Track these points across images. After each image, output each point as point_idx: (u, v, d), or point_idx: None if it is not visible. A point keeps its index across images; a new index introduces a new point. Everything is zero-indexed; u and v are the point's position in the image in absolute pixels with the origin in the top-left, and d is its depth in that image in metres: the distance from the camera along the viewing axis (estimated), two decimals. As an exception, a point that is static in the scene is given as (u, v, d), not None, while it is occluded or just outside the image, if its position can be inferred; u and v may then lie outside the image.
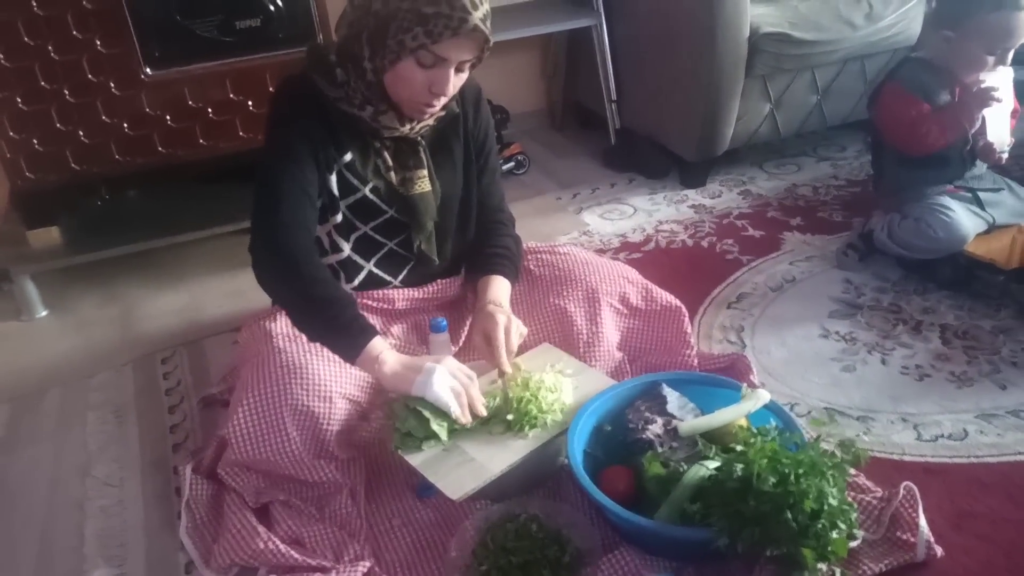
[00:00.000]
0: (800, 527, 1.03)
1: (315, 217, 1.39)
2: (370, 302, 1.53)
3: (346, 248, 1.48)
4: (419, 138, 1.42)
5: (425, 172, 1.44)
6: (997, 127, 1.79)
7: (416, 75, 1.27)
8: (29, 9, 1.81)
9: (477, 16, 1.21)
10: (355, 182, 1.41)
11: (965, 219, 1.80)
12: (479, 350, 1.41)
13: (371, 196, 1.43)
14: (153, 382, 1.76)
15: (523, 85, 3.09)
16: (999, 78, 1.77)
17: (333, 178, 1.40)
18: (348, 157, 1.40)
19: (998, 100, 1.74)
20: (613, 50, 2.66)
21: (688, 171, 2.55)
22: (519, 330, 1.42)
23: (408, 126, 1.38)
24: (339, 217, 1.44)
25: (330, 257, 1.49)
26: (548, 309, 1.55)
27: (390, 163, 1.42)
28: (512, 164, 2.72)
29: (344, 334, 1.31)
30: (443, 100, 1.33)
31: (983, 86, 1.74)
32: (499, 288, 1.47)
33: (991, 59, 1.77)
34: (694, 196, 2.49)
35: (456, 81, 1.31)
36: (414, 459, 1.25)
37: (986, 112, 1.77)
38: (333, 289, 1.35)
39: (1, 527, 1.40)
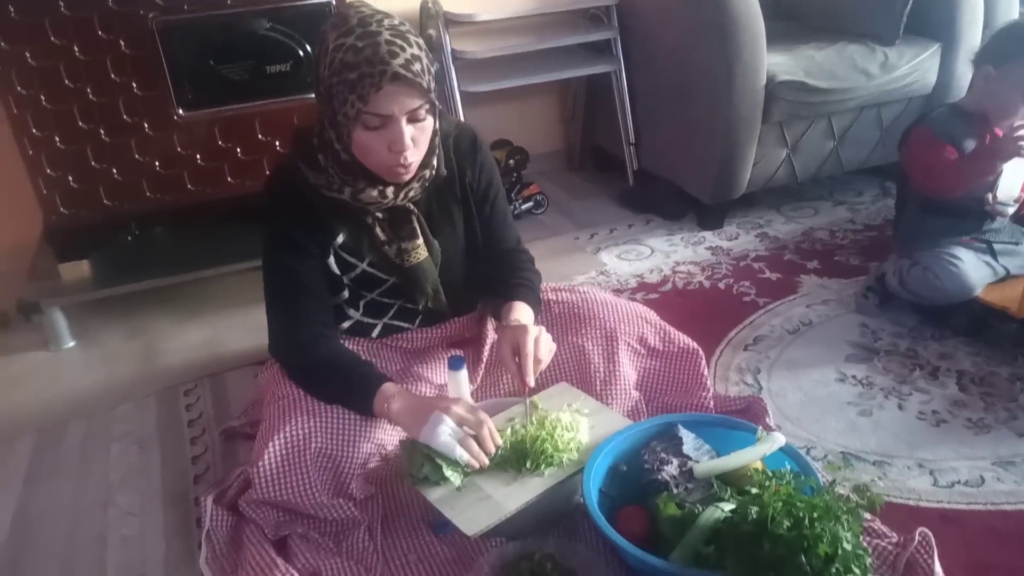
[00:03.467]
0: (814, 571, 1.03)
1: (326, 301, 1.45)
2: (391, 343, 1.56)
3: (356, 314, 1.54)
4: (411, 206, 1.42)
5: (420, 241, 1.44)
6: (1010, 182, 1.80)
7: (372, 141, 1.27)
8: (71, 54, 1.89)
9: (397, 63, 1.20)
10: (352, 260, 1.45)
11: (972, 270, 1.81)
12: (505, 364, 1.36)
13: (370, 270, 1.46)
14: (175, 414, 1.79)
15: (543, 127, 3.15)
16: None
17: (332, 260, 1.44)
18: (341, 238, 1.42)
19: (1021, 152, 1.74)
20: (632, 95, 2.72)
21: (705, 213, 2.58)
22: (549, 344, 1.38)
23: (394, 196, 1.37)
24: (345, 292, 1.49)
25: (343, 323, 1.54)
26: (566, 347, 1.57)
27: (383, 237, 1.43)
28: (531, 204, 2.76)
29: (355, 391, 1.35)
30: (413, 155, 1.29)
31: (1019, 134, 1.72)
32: (523, 312, 1.45)
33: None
34: (711, 238, 2.52)
35: (417, 134, 1.28)
36: (431, 495, 1.27)
37: (1006, 165, 1.78)
38: (339, 356, 1.40)
39: (23, 558, 1.42)
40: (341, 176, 1.34)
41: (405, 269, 1.45)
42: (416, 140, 1.29)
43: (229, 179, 2.12)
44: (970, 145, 1.85)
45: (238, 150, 2.10)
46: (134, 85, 1.96)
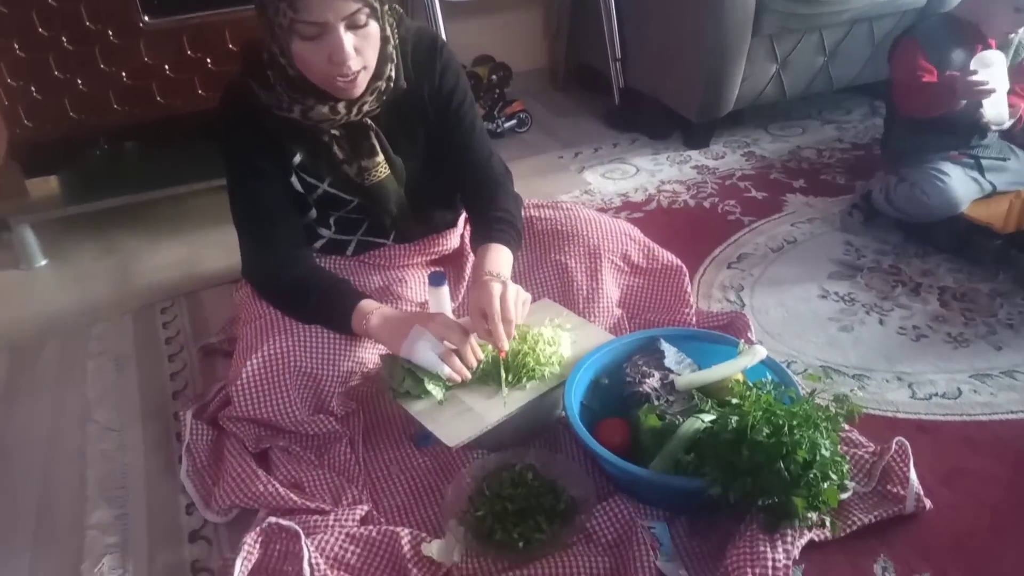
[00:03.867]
0: (792, 477, 1.04)
1: (295, 220, 1.41)
2: (368, 260, 1.53)
3: (328, 233, 1.50)
4: (368, 121, 1.33)
5: (380, 158, 1.37)
6: (995, 107, 1.75)
7: (311, 52, 1.17)
8: (26, -47, 1.78)
9: None
10: (312, 180, 1.39)
11: (959, 186, 1.79)
12: (476, 327, 1.26)
13: (331, 190, 1.41)
14: (152, 332, 1.77)
15: (527, 43, 3.05)
16: (991, 71, 1.72)
17: (294, 179, 1.39)
18: (298, 159, 1.36)
19: (985, 94, 1.70)
20: (618, 8, 2.62)
21: (692, 132, 2.54)
22: (520, 297, 1.27)
23: (347, 112, 1.28)
24: (313, 212, 1.44)
25: (317, 242, 1.50)
26: (549, 265, 1.55)
27: (340, 156, 1.35)
28: (514, 122, 2.70)
29: (333, 309, 1.33)
30: (357, 64, 1.19)
31: (970, 79, 1.69)
32: (498, 257, 1.34)
33: (1017, 17, 1.74)
34: (697, 157, 2.48)
35: (359, 42, 1.18)
36: (412, 408, 1.26)
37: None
38: (313, 276, 1.37)
39: (2, 474, 1.41)
40: (290, 94, 1.25)
41: (367, 188, 1.39)
42: (360, 49, 1.18)
43: (200, 91, 2.04)
44: (959, 56, 1.81)
45: (208, 60, 2.01)
46: (96, -12, 1.86)
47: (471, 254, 1.58)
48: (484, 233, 1.39)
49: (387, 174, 1.39)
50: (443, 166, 1.47)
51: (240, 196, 1.39)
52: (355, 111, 1.29)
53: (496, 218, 1.41)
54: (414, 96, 1.38)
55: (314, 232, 1.50)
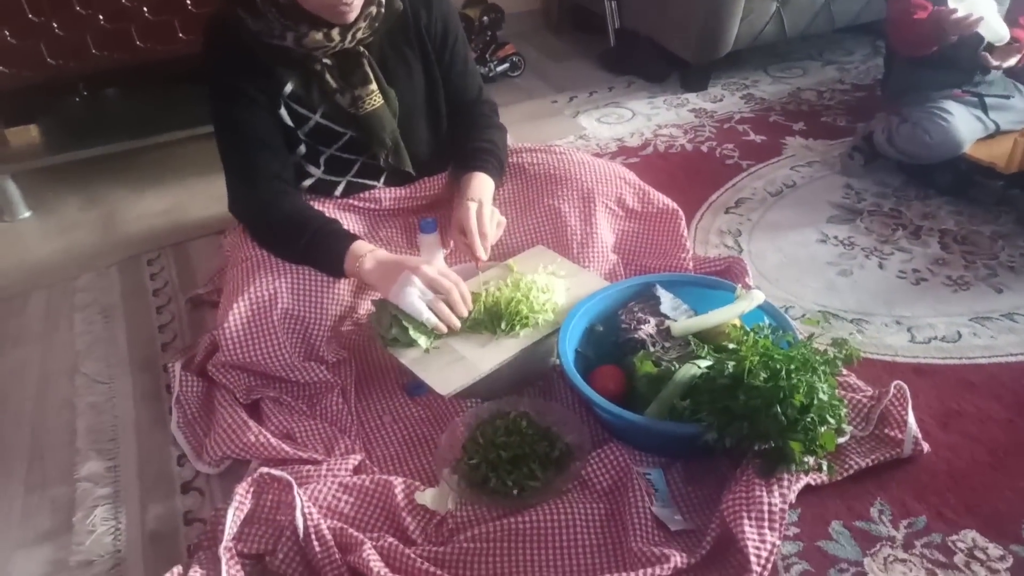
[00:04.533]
0: (789, 421, 1.03)
1: (284, 155, 1.37)
2: (356, 203, 1.49)
3: (317, 172, 1.45)
4: (361, 49, 1.33)
5: (374, 87, 1.35)
6: (990, 30, 1.69)
7: None
8: None
9: None
10: (303, 111, 1.35)
11: (962, 125, 1.74)
12: (458, 246, 1.36)
13: (323, 121, 1.37)
14: (140, 283, 1.74)
15: (519, -17, 2.96)
16: (969, 3, 1.66)
17: (283, 111, 1.35)
18: (289, 88, 1.33)
19: (974, 25, 1.64)
20: (614, -56, 2.54)
21: (689, 74, 2.47)
22: (495, 218, 1.36)
23: (340, 38, 1.27)
24: (302, 148, 1.40)
25: (305, 181, 1.45)
26: (542, 209, 1.51)
27: (333, 85, 1.33)
28: (507, 66, 2.63)
29: (324, 249, 1.30)
30: None
31: (954, 17, 1.63)
32: (479, 184, 1.39)
33: None
34: (695, 100, 2.42)
35: None
36: (404, 356, 1.24)
37: (981, 10, 1.67)
38: (304, 213, 1.33)
39: (-8, 423, 1.40)
40: (282, 21, 1.24)
41: (360, 118, 1.36)
42: None
43: (181, 35, 1.97)
44: None
45: (188, 2, 1.94)
46: (68, -74, 1.78)
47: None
48: (467, 162, 1.43)
49: (380, 103, 1.36)
50: (437, 106, 1.46)
51: (226, 126, 1.34)
52: (349, 37, 1.28)
53: (479, 148, 1.45)
54: (407, 28, 1.37)
55: (303, 172, 1.45)
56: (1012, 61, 1.76)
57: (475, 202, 1.34)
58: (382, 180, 1.49)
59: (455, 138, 1.50)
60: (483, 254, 1.31)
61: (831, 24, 2.49)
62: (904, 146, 1.82)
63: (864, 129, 1.99)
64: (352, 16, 1.25)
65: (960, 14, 1.63)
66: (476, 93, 1.51)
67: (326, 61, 1.31)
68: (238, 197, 1.37)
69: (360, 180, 1.48)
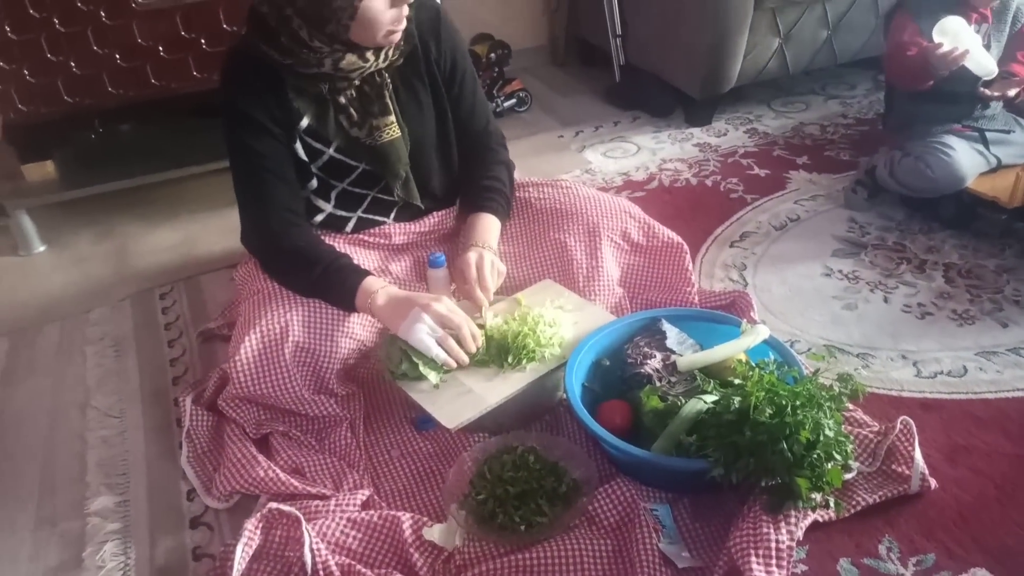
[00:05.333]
0: (795, 457, 1.03)
1: (296, 188, 1.39)
2: (367, 238, 1.52)
3: (328, 207, 1.47)
4: (386, 77, 1.36)
5: (392, 118, 1.38)
6: (978, 63, 1.70)
7: (379, 5, 1.21)
8: (14, -67, 1.75)
9: None
10: (318, 145, 1.38)
11: (964, 159, 1.76)
12: (460, 290, 1.39)
13: (337, 155, 1.39)
14: (151, 317, 1.76)
15: (525, 20, 3.01)
16: (953, 36, 1.67)
17: (298, 146, 1.37)
18: (305, 122, 1.35)
19: (959, 59, 1.65)
20: (618, -18, 2.59)
21: (693, 109, 2.50)
22: (496, 267, 1.38)
23: (374, 58, 1.31)
24: (314, 182, 1.42)
25: (316, 217, 1.47)
26: (548, 243, 1.53)
27: (354, 117, 1.36)
28: (513, 101, 2.67)
29: (336, 284, 1.31)
30: (406, 10, 1.26)
31: (939, 51, 1.65)
32: (484, 227, 1.43)
33: None
34: (699, 134, 2.45)
35: None
36: (412, 390, 1.25)
37: (968, 48, 1.70)
38: (316, 248, 1.35)
39: (2, 458, 1.41)
40: (319, 48, 1.26)
41: (375, 149, 1.38)
42: None
43: (195, 72, 2.01)
44: None
45: (202, 41, 1.98)
46: (86, -31, 1.83)
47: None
48: (474, 201, 1.47)
49: (397, 135, 1.39)
50: (447, 139, 1.49)
51: (241, 157, 1.36)
52: (382, 57, 1.32)
53: (486, 187, 1.48)
54: (418, 62, 1.41)
55: (314, 208, 1.47)
56: (1011, 93, 1.77)
57: (477, 251, 1.37)
58: (392, 216, 1.52)
59: (463, 171, 1.54)
60: (484, 303, 1.34)
61: (833, 60, 2.53)
62: (906, 180, 1.84)
63: (867, 163, 2.01)
64: (398, 38, 1.30)
65: (945, 49, 1.65)
66: (484, 124, 1.54)
67: (351, 93, 1.34)
68: (251, 228, 1.39)
69: (371, 216, 1.50)
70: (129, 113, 2.09)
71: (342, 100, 1.34)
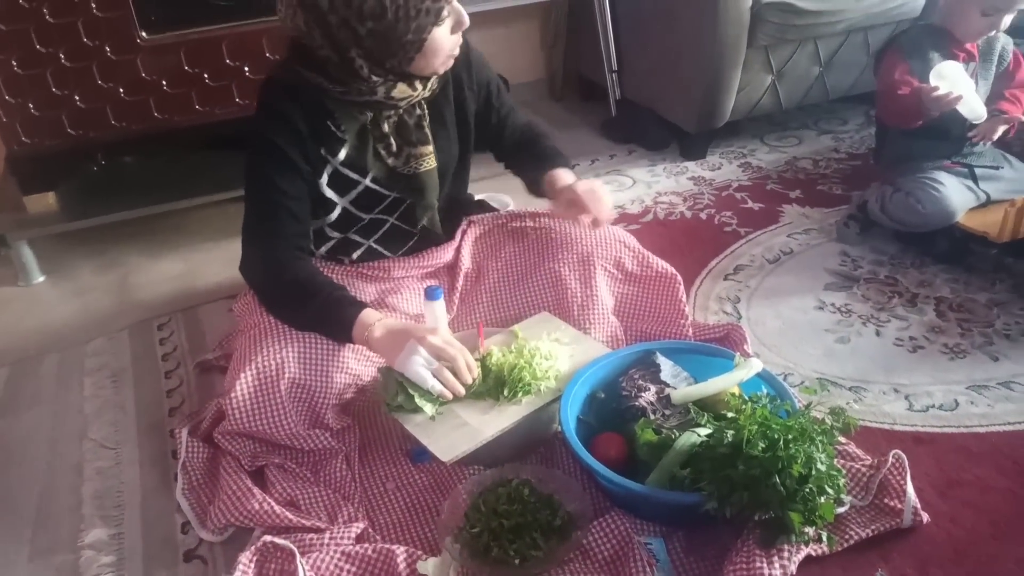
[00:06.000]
0: (788, 491, 1.04)
1: (307, 227, 1.40)
2: (367, 271, 1.53)
3: (336, 234, 1.49)
4: (424, 109, 1.39)
5: (431, 148, 1.41)
6: (969, 108, 1.74)
7: (443, 33, 1.25)
8: (24, -28, 1.79)
9: None
10: (353, 176, 1.39)
11: (955, 194, 1.79)
12: (564, 215, 1.50)
13: (372, 186, 1.41)
14: (149, 348, 1.77)
15: (523, 55, 3.06)
16: (949, 80, 1.72)
17: (324, 180, 1.38)
18: (343, 154, 1.36)
19: (953, 102, 1.69)
20: (614, 19, 2.64)
21: (688, 143, 2.54)
22: (601, 186, 1.45)
23: (421, 87, 1.34)
24: (335, 214, 1.43)
25: (323, 246, 1.49)
26: (543, 272, 1.55)
27: (393, 147, 1.38)
28: (511, 134, 2.70)
29: (334, 317, 1.32)
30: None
31: (934, 94, 1.69)
32: (565, 174, 1.52)
33: (987, 22, 1.75)
34: (694, 168, 2.48)
35: None
36: (408, 422, 1.26)
37: (960, 91, 1.73)
38: (315, 280, 1.35)
39: (0, 488, 1.41)
40: (373, 78, 1.27)
41: (413, 178, 1.41)
42: None
43: (197, 106, 2.05)
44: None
45: (205, 76, 2.02)
46: (93, 6, 1.87)
47: (464, 264, 1.60)
48: (543, 163, 1.55)
49: (433, 166, 1.42)
50: (462, 166, 1.53)
51: (260, 188, 1.35)
52: (428, 86, 1.36)
53: (548, 150, 1.58)
54: (447, 88, 1.44)
55: (323, 235, 1.49)
56: (999, 131, 1.81)
57: (575, 180, 1.45)
58: (400, 252, 1.55)
59: (515, 156, 1.62)
60: (608, 209, 1.43)
61: (826, 95, 2.57)
62: (898, 215, 1.87)
63: (859, 198, 2.04)
64: (451, 64, 1.33)
65: (941, 92, 1.69)
66: (523, 121, 1.62)
67: (392, 121, 1.37)
68: (255, 259, 1.38)
69: (380, 248, 1.53)
70: (132, 145, 2.11)
71: (385, 128, 1.37)
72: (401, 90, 1.31)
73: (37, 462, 1.46)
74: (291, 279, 1.35)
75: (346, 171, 1.38)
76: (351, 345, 1.36)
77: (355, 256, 1.53)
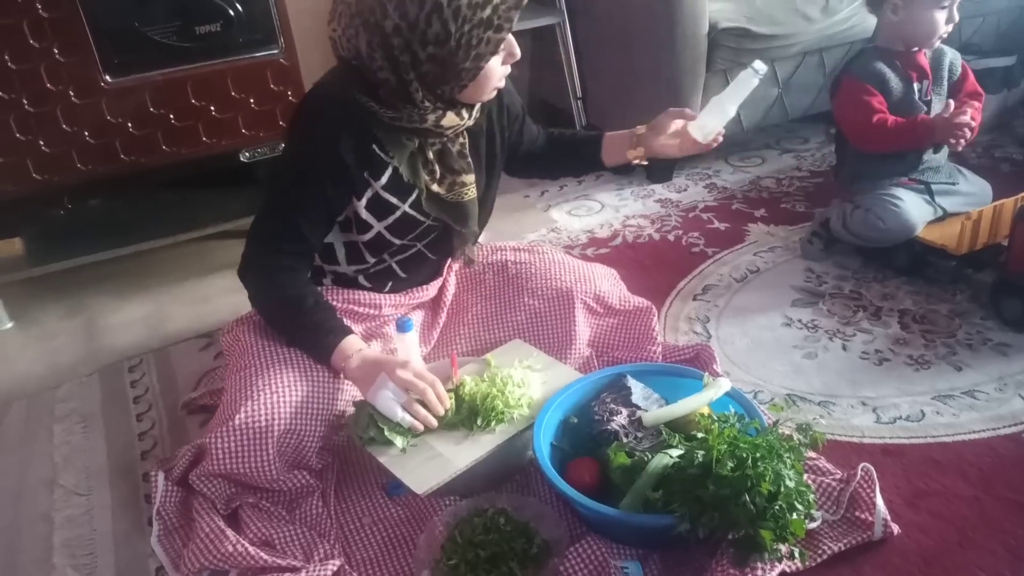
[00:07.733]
0: (758, 509, 1.05)
1: (316, 248, 1.40)
2: (357, 308, 1.53)
3: (376, 255, 1.48)
4: (466, 138, 1.40)
5: (472, 177, 1.41)
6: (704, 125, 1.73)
7: (496, 62, 1.26)
8: (-17, 18, 1.79)
9: None
10: (393, 200, 1.37)
11: (913, 209, 1.84)
12: (670, 127, 1.58)
13: (411, 211, 1.40)
14: (120, 391, 1.75)
15: (489, 85, 3.09)
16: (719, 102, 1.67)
17: (363, 203, 1.36)
18: (385, 178, 1.35)
19: (967, 135, 1.75)
20: (577, 48, 2.69)
21: (654, 167, 2.57)
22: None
23: (468, 115, 1.34)
24: (368, 236, 1.41)
25: (338, 266, 1.49)
26: (521, 307, 1.57)
27: (437, 174, 1.38)
28: (480, 163, 2.73)
29: (318, 338, 1.33)
30: None
31: (958, 120, 1.74)
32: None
33: (943, 16, 1.78)
34: (661, 191, 2.52)
35: None
36: (381, 455, 1.26)
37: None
38: (311, 297, 1.36)
39: (-33, 540, 1.38)
40: (432, 108, 1.28)
41: (458, 205, 1.40)
42: None
43: (164, 147, 2.05)
44: (898, 85, 1.86)
45: (171, 116, 2.02)
46: (56, 51, 1.86)
47: (448, 296, 1.62)
48: (589, 138, 1.67)
49: (475, 196, 1.43)
50: (489, 192, 1.54)
51: (287, 191, 1.33)
52: (474, 114, 1.36)
53: (576, 132, 1.71)
54: (483, 119, 1.44)
55: (332, 256, 1.49)
56: (964, 117, 1.77)
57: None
58: (421, 276, 1.57)
59: (556, 158, 1.68)
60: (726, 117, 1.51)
61: (785, 116, 2.63)
62: (859, 231, 1.91)
63: (821, 215, 2.08)
64: (494, 95, 1.34)
65: (964, 118, 1.73)
66: (540, 126, 1.66)
67: (437, 149, 1.37)
68: (258, 255, 1.37)
69: (398, 269, 1.52)
70: (98, 188, 2.10)
71: (429, 155, 1.37)
72: (450, 119, 1.31)
73: (4, 513, 1.44)
74: (284, 293, 1.35)
75: (387, 195, 1.37)
76: (347, 390, 1.37)
77: (371, 271, 1.51)
